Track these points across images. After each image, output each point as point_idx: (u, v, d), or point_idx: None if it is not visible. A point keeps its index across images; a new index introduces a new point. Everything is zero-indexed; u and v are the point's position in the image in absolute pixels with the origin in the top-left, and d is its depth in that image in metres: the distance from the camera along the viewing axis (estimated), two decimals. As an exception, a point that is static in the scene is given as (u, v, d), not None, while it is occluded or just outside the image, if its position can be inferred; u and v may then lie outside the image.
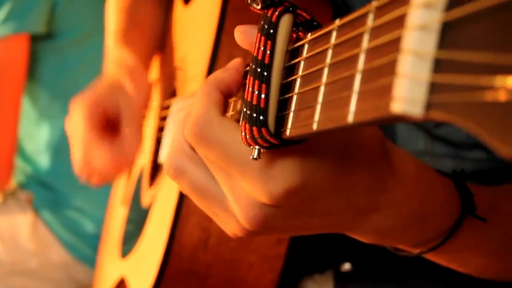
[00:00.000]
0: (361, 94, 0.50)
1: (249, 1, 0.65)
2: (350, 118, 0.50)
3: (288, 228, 0.68)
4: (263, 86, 0.62)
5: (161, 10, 1.41)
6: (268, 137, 0.61)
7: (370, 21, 0.50)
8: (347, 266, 1.05)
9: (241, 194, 0.65)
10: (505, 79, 0.37)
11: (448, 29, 0.42)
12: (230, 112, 0.77)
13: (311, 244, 1.06)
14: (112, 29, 1.37)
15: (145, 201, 1.21)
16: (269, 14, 0.64)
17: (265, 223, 0.65)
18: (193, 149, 0.70)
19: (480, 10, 0.40)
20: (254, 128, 0.62)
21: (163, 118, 1.21)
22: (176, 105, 1.13)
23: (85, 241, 1.73)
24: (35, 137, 1.81)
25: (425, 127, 1.01)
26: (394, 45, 0.46)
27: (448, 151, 1.01)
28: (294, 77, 0.62)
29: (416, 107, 0.43)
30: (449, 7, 0.43)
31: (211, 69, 0.96)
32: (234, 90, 0.71)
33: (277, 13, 0.63)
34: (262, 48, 0.63)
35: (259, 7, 0.64)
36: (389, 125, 1.02)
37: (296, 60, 0.62)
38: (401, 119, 0.45)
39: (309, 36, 0.61)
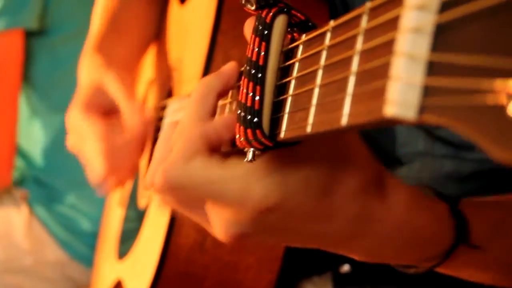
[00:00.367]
0: (355, 96, 0.49)
1: (243, 2, 0.64)
2: (344, 121, 0.49)
3: (269, 240, 0.69)
4: (258, 87, 0.62)
5: (152, 11, 1.39)
6: (262, 139, 0.61)
7: (364, 23, 0.50)
8: (346, 268, 1.04)
9: (219, 215, 0.66)
10: (498, 83, 0.36)
11: (442, 31, 0.42)
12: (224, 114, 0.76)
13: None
14: (91, 34, 1.35)
15: (141, 202, 1.21)
16: (263, 15, 0.63)
17: (243, 237, 0.66)
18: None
19: (473, 12, 0.39)
20: (249, 130, 0.61)
21: (160, 119, 1.21)
22: (172, 105, 1.12)
23: (81, 240, 1.72)
24: (29, 134, 1.81)
25: (425, 127, 1.00)
26: (388, 47, 0.45)
27: (449, 152, 1.00)
28: (288, 79, 0.61)
29: (409, 110, 0.43)
30: (443, 9, 0.42)
31: (206, 69, 0.95)
32: (226, 93, 0.71)
33: (271, 14, 0.63)
34: (256, 49, 0.62)
35: (253, 8, 0.64)
36: (388, 126, 1.01)
37: (291, 62, 0.61)
38: (395, 122, 0.44)
39: (304, 37, 0.61)
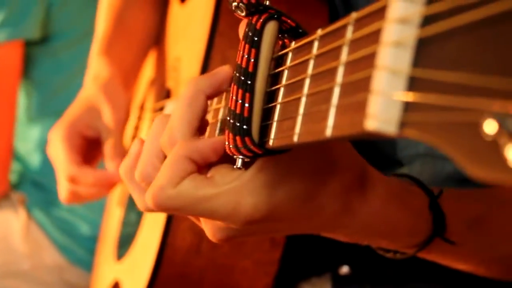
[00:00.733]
0: (339, 108, 0.48)
1: (233, 8, 0.63)
2: (328, 132, 0.49)
3: (254, 237, 0.73)
4: (247, 95, 0.61)
5: (155, 13, 1.39)
6: (251, 147, 0.60)
7: (349, 34, 0.49)
8: (345, 269, 1.04)
9: (207, 222, 0.68)
10: (476, 101, 0.36)
11: (423, 46, 0.41)
12: (210, 120, 0.76)
13: (308, 246, 1.05)
14: (97, 36, 1.36)
15: (139, 207, 1.20)
16: (253, 21, 0.62)
17: (232, 240, 0.68)
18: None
19: (455, 28, 0.39)
20: (238, 138, 0.61)
21: None
22: (170, 106, 1.12)
23: (80, 244, 1.70)
24: (27, 137, 1.80)
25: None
26: (370, 60, 0.44)
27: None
28: (278, 86, 0.60)
29: (390, 125, 0.42)
30: (425, 23, 0.41)
31: (203, 70, 0.94)
32: (217, 95, 0.70)
33: (261, 20, 0.62)
34: (246, 56, 0.62)
35: (243, 14, 0.63)
36: (374, 139, 1.00)
37: (281, 69, 0.61)
38: (376, 136, 0.44)
39: (293, 45, 0.60)
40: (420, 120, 0.40)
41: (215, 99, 0.77)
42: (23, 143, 1.80)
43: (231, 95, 0.62)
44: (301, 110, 0.54)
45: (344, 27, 0.50)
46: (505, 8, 0.35)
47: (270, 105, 0.61)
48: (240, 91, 0.61)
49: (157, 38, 1.36)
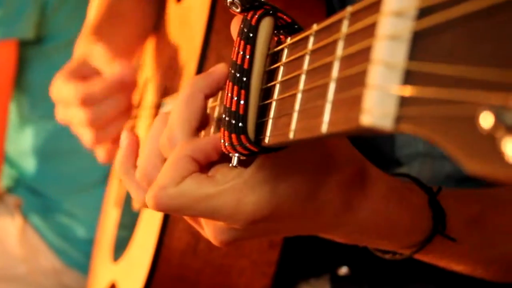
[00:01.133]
0: (334, 104, 0.48)
1: (228, 4, 0.63)
2: (324, 129, 0.48)
3: (256, 238, 0.72)
4: (242, 92, 0.60)
5: (149, 4, 1.38)
6: (247, 145, 0.60)
7: (344, 28, 0.48)
8: (344, 270, 1.03)
9: (209, 224, 0.67)
10: (472, 94, 0.35)
11: (419, 39, 0.41)
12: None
13: (306, 247, 1.04)
14: (88, 21, 1.33)
15: (135, 204, 1.20)
16: (248, 17, 0.62)
17: (234, 242, 0.68)
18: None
19: (451, 20, 0.38)
20: (233, 135, 0.60)
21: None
22: (167, 104, 1.11)
23: (76, 247, 1.68)
24: (20, 141, 1.77)
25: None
26: (365, 54, 0.44)
27: (449, 153, 0.99)
28: (274, 83, 0.60)
29: (386, 120, 0.41)
30: (420, 15, 0.41)
31: (200, 69, 0.94)
32: (215, 94, 0.70)
33: (256, 16, 0.61)
34: (241, 53, 0.61)
35: (238, 10, 0.62)
36: (370, 134, 1.00)
37: (276, 65, 0.60)
38: (372, 131, 0.43)
39: (289, 41, 0.59)
40: (416, 114, 0.39)
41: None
42: (16, 147, 1.78)
43: (226, 92, 0.62)
44: (297, 106, 0.54)
45: (339, 21, 0.49)
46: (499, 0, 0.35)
47: (266, 102, 0.60)
48: (235, 88, 0.61)
49: (152, 29, 1.35)
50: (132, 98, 1.17)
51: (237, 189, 0.62)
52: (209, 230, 0.67)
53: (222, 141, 0.62)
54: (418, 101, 0.39)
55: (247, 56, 0.61)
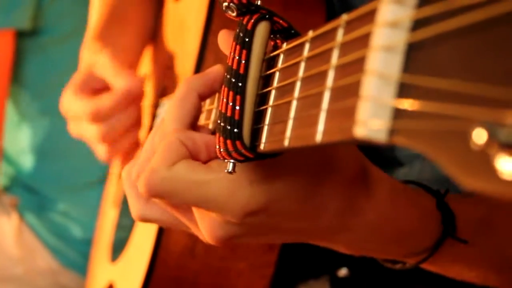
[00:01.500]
0: (329, 113, 0.47)
1: (224, 8, 0.62)
2: (318, 138, 0.48)
3: (256, 240, 0.69)
4: (238, 97, 0.60)
5: (151, 5, 1.37)
6: (243, 151, 0.59)
7: (339, 36, 0.48)
8: (343, 272, 1.03)
9: (205, 219, 0.66)
10: (466, 109, 0.35)
11: (414, 51, 0.40)
12: (203, 121, 0.75)
13: (305, 248, 1.04)
14: (91, 24, 1.33)
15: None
16: (244, 22, 0.61)
17: (230, 240, 0.66)
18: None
19: (446, 32, 0.37)
20: (228, 141, 0.60)
21: (153, 117, 1.19)
22: (165, 104, 1.10)
23: (73, 247, 1.67)
24: (17, 139, 1.75)
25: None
26: (360, 64, 0.43)
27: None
28: (269, 88, 0.59)
29: (379, 132, 0.41)
30: (415, 27, 0.40)
31: (197, 70, 0.93)
32: (210, 95, 0.69)
33: (252, 20, 0.61)
34: (237, 58, 0.60)
35: (234, 14, 0.62)
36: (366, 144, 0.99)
37: (272, 71, 0.60)
38: (366, 142, 0.43)
39: (285, 46, 0.59)
40: (410, 127, 0.39)
41: (208, 100, 0.76)
42: (13, 145, 1.77)
43: (221, 97, 0.61)
44: (292, 114, 0.53)
45: (334, 29, 0.49)
46: (497, 13, 0.34)
47: (262, 108, 0.60)
48: (231, 93, 0.60)
49: (153, 33, 1.35)
50: (142, 109, 1.17)
51: (233, 179, 0.61)
52: (204, 226, 0.66)
53: (217, 146, 0.61)
54: (412, 115, 0.39)
55: (243, 61, 0.60)
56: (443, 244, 0.71)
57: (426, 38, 0.39)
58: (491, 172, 0.33)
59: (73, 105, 1.15)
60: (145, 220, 0.74)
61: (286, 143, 0.53)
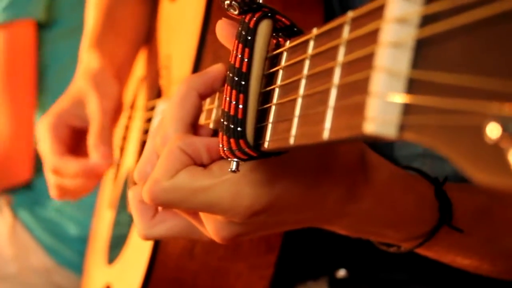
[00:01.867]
0: (336, 110, 0.47)
1: (226, 6, 0.62)
2: (325, 135, 0.48)
3: (260, 233, 0.69)
4: (241, 96, 0.60)
5: (146, 6, 1.37)
6: (246, 149, 0.59)
7: (346, 33, 0.48)
8: (342, 273, 1.03)
9: (210, 220, 0.66)
10: (477, 104, 0.35)
11: (423, 46, 0.40)
12: (203, 121, 0.74)
13: (304, 249, 1.04)
14: (87, 31, 1.33)
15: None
16: (246, 20, 0.61)
17: (237, 237, 0.67)
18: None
19: (455, 28, 0.37)
20: (232, 140, 0.59)
21: (148, 120, 1.18)
22: (161, 106, 1.10)
23: (68, 245, 1.65)
24: None
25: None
26: (368, 61, 0.43)
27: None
28: (273, 87, 0.59)
29: (389, 128, 0.41)
30: (424, 23, 0.40)
31: (195, 70, 0.93)
32: (209, 95, 0.69)
33: (255, 18, 0.60)
34: (239, 56, 0.60)
35: (236, 12, 0.62)
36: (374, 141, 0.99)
37: (275, 69, 0.59)
38: (375, 139, 0.43)
39: (288, 44, 0.59)
40: (420, 123, 0.39)
41: (208, 100, 0.76)
42: None
43: (224, 96, 0.61)
44: (297, 111, 0.53)
45: (340, 26, 0.48)
46: (506, 8, 0.34)
47: (265, 106, 0.59)
48: (233, 92, 0.60)
49: (148, 35, 1.34)
50: (99, 181, 1.22)
51: (234, 182, 0.62)
52: (210, 227, 0.67)
53: (221, 145, 0.61)
54: (422, 110, 0.39)
55: (246, 59, 0.60)
56: (439, 231, 0.72)
57: (434, 34, 0.39)
58: (505, 166, 0.33)
59: (43, 143, 1.18)
60: (151, 239, 0.75)
61: (291, 141, 0.53)
